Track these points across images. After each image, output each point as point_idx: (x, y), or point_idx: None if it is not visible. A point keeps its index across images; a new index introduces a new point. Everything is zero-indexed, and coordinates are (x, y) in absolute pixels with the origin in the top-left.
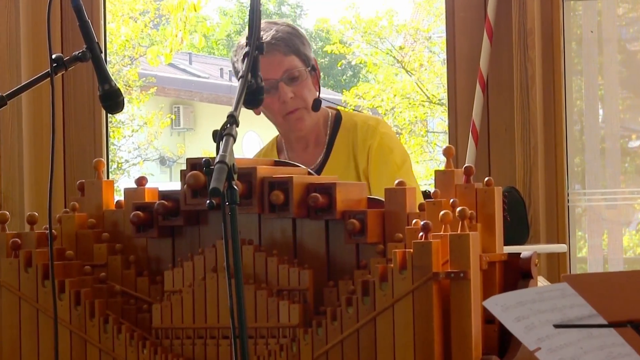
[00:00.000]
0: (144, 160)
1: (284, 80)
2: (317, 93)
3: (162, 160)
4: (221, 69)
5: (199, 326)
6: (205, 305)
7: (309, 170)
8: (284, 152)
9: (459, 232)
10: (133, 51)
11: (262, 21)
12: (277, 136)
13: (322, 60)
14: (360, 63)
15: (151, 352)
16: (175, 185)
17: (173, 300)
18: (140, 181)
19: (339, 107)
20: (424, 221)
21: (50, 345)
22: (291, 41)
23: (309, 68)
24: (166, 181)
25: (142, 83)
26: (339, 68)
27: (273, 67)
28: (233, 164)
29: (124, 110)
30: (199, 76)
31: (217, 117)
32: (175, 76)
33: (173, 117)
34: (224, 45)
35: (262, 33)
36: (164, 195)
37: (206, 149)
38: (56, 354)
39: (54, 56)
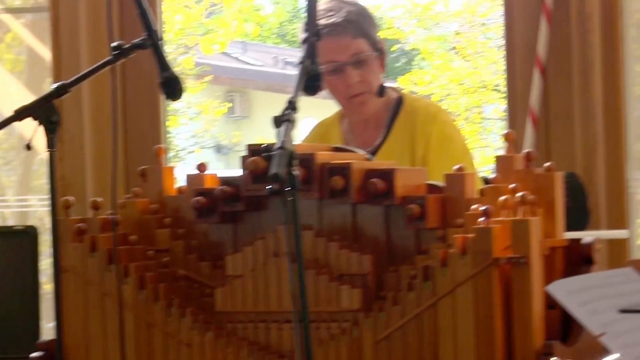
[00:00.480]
0: (201, 148)
1: (351, 63)
2: (383, 75)
3: (218, 148)
4: (274, 57)
5: (261, 310)
6: (267, 289)
7: (367, 155)
8: (344, 125)
9: (520, 217)
10: (188, 40)
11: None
12: (341, 109)
13: None
14: (414, 49)
15: (215, 336)
16: (232, 172)
17: (235, 285)
18: (201, 167)
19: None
20: (486, 206)
21: (115, 328)
22: (361, 24)
23: (377, 52)
24: (222, 169)
25: (197, 72)
26: (393, 55)
27: (341, 50)
28: (293, 150)
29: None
30: (253, 64)
31: (271, 105)
32: (230, 65)
33: (229, 105)
34: (276, 34)
35: (332, 13)
36: (225, 181)
37: (261, 136)
38: (122, 337)
39: (114, 44)
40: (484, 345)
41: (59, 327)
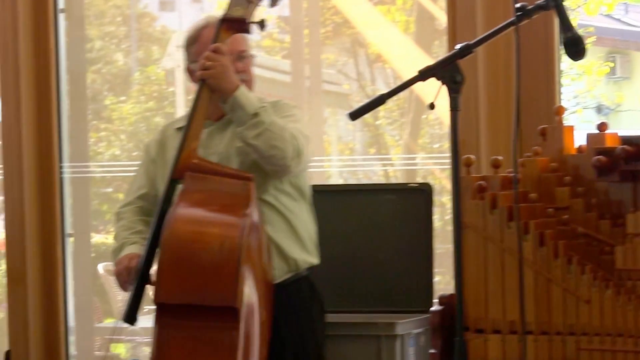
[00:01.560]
0: (582, 108)
1: None
2: None
3: (599, 108)
4: None
5: None
6: None
7: None
8: None
9: None
10: (570, 2)
11: None
12: None
13: None
14: None
15: (614, 293)
16: (632, 132)
17: (636, 243)
18: (602, 127)
19: None
20: None
21: (514, 284)
22: None
23: None
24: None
25: (581, 33)
26: None
27: None
28: None
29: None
30: (635, 26)
31: None
32: (612, 26)
33: (611, 65)
34: None
35: None
36: (626, 140)
37: None
38: (521, 292)
39: (518, 5)
40: None
41: (459, 282)
